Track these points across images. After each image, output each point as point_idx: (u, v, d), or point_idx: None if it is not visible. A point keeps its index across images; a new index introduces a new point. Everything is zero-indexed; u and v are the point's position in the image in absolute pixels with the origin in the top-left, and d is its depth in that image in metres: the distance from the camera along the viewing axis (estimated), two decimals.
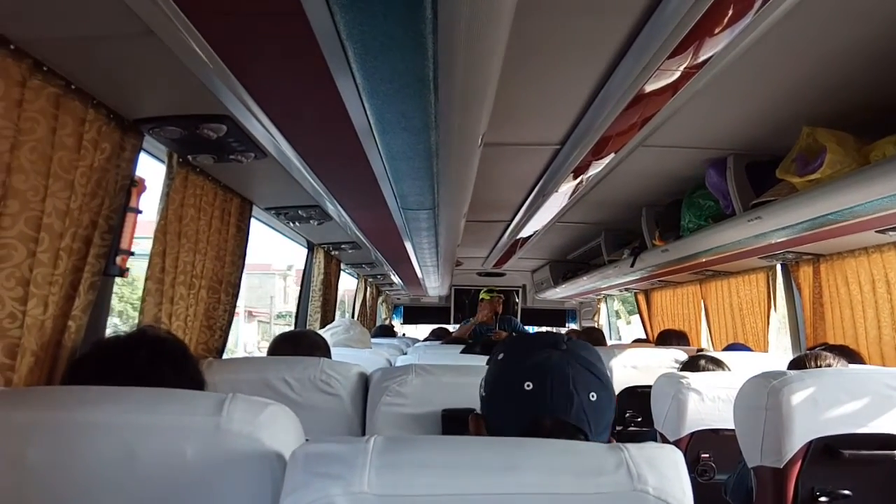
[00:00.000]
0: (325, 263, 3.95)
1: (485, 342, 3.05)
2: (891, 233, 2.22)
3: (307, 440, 0.90)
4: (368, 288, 6.05)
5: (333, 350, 2.31)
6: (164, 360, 1.22)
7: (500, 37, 1.06)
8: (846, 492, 1.46)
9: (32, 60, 1.18)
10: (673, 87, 1.55)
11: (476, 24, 0.97)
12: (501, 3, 0.96)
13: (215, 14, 1.06)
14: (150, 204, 1.66)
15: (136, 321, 1.68)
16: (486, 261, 5.76)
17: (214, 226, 2.01)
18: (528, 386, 0.96)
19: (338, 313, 4.56)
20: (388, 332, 5.80)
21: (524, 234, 3.95)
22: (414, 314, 8.10)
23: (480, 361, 1.91)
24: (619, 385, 2.76)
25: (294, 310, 4.21)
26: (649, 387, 2.18)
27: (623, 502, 0.78)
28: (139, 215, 1.60)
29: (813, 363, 1.84)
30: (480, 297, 5.99)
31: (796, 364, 1.91)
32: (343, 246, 3.79)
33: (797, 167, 1.91)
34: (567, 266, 5.65)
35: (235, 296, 2.21)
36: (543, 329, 7.09)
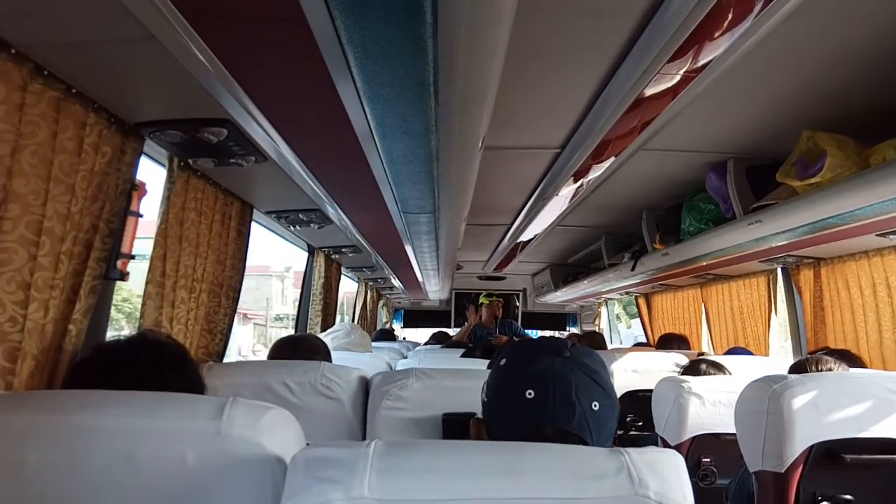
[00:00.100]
0: (325, 267, 3.95)
1: (485, 346, 3.04)
2: (891, 236, 2.22)
3: (308, 444, 0.90)
4: (369, 291, 6.05)
5: (334, 354, 2.31)
6: (165, 364, 1.21)
7: (500, 40, 1.06)
8: (848, 496, 1.46)
9: (33, 65, 1.18)
10: (673, 91, 1.55)
11: (476, 27, 0.98)
12: (501, 7, 0.96)
13: (216, 18, 1.06)
14: (150, 208, 1.66)
15: (122, 326, 1.68)
16: (486, 264, 5.77)
17: (215, 229, 2.01)
18: (530, 394, 0.95)
19: (338, 317, 4.56)
20: (388, 335, 5.79)
21: (524, 237, 3.95)
22: (414, 318, 8.11)
23: (481, 365, 1.92)
24: (619, 389, 2.75)
25: (291, 312, 4.22)
26: (650, 391, 2.17)
27: None
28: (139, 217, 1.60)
29: (814, 367, 1.84)
30: (479, 301, 6.00)
31: (797, 368, 1.90)
32: (344, 249, 3.79)
33: (797, 171, 1.91)
34: (568, 270, 5.65)
35: (236, 300, 2.21)
36: (544, 333, 7.09)
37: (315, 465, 0.79)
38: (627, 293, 5.65)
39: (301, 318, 4.03)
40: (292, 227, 2.85)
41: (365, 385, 1.83)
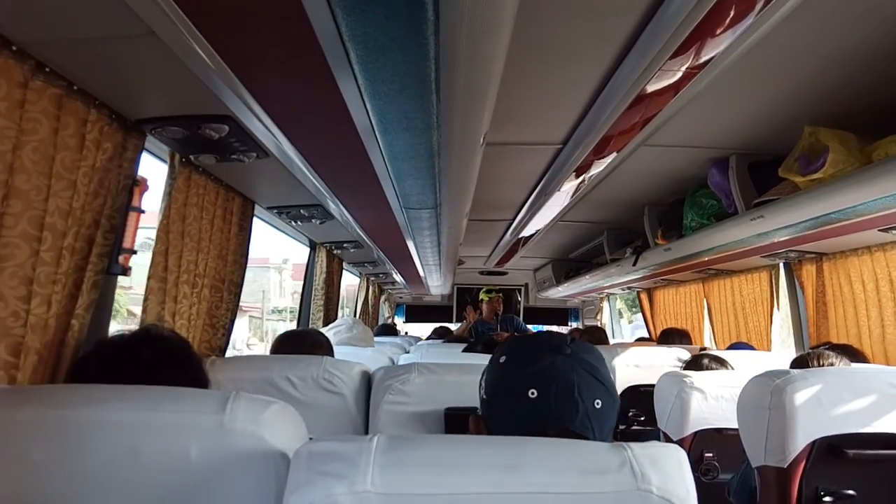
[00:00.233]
0: (327, 262, 3.96)
1: (487, 341, 3.04)
2: (894, 231, 2.22)
3: (311, 439, 0.90)
4: (371, 287, 6.06)
5: (336, 349, 2.31)
6: (168, 359, 1.22)
7: (502, 37, 1.06)
8: (850, 492, 1.46)
9: (34, 62, 1.18)
10: (675, 87, 1.55)
11: (478, 24, 0.97)
12: (503, 4, 0.96)
13: (217, 15, 1.06)
14: (152, 203, 1.67)
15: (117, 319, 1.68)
16: (488, 260, 5.77)
17: (217, 225, 2.02)
18: (533, 394, 0.95)
19: (341, 312, 4.56)
20: (390, 330, 5.80)
21: (526, 233, 3.95)
22: (416, 313, 8.11)
23: (483, 360, 1.91)
24: (622, 384, 2.75)
25: (290, 305, 4.24)
26: (652, 386, 2.17)
27: (627, 502, 0.78)
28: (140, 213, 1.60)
29: (815, 362, 1.84)
30: (480, 297, 6.01)
31: (799, 363, 1.90)
32: (345, 245, 3.79)
33: (800, 166, 1.91)
34: (569, 265, 5.65)
35: (238, 295, 2.21)
36: (545, 328, 7.09)
37: (318, 459, 0.79)
38: (629, 288, 5.65)
39: (303, 312, 4.04)
40: (294, 223, 2.86)
41: (367, 380, 1.83)
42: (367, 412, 1.79)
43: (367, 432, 1.77)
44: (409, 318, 8.16)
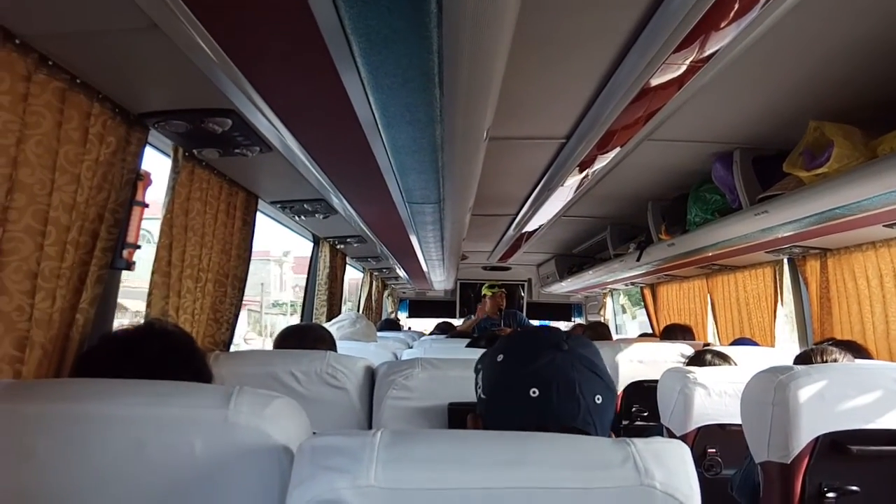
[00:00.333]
0: (330, 257, 3.96)
1: (490, 337, 3.05)
2: None
3: (314, 433, 0.90)
4: (374, 282, 6.06)
5: (339, 343, 2.32)
6: (172, 353, 1.22)
7: (505, 30, 1.06)
8: (854, 488, 1.46)
9: (38, 55, 1.18)
10: (679, 81, 1.54)
11: (481, 17, 0.97)
12: None
13: (220, 8, 1.06)
14: (156, 197, 1.67)
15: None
16: (491, 255, 5.76)
17: (220, 219, 2.02)
18: (534, 393, 0.94)
19: (345, 307, 4.57)
20: (393, 325, 5.81)
21: (530, 228, 3.94)
22: (419, 308, 8.13)
23: None
24: (625, 379, 2.75)
25: (291, 299, 4.24)
26: (655, 381, 2.17)
27: (630, 497, 0.78)
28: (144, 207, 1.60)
29: (819, 358, 1.84)
30: (482, 292, 6.00)
31: (802, 359, 1.90)
32: (349, 239, 3.79)
33: (804, 161, 1.90)
34: (573, 260, 5.64)
35: (242, 289, 2.22)
36: (549, 323, 7.09)
37: (322, 454, 0.79)
38: (633, 284, 5.65)
39: (306, 307, 4.04)
40: (297, 217, 2.86)
41: (371, 375, 1.83)
42: (370, 407, 1.79)
43: (370, 427, 1.77)
44: (413, 314, 8.18)
